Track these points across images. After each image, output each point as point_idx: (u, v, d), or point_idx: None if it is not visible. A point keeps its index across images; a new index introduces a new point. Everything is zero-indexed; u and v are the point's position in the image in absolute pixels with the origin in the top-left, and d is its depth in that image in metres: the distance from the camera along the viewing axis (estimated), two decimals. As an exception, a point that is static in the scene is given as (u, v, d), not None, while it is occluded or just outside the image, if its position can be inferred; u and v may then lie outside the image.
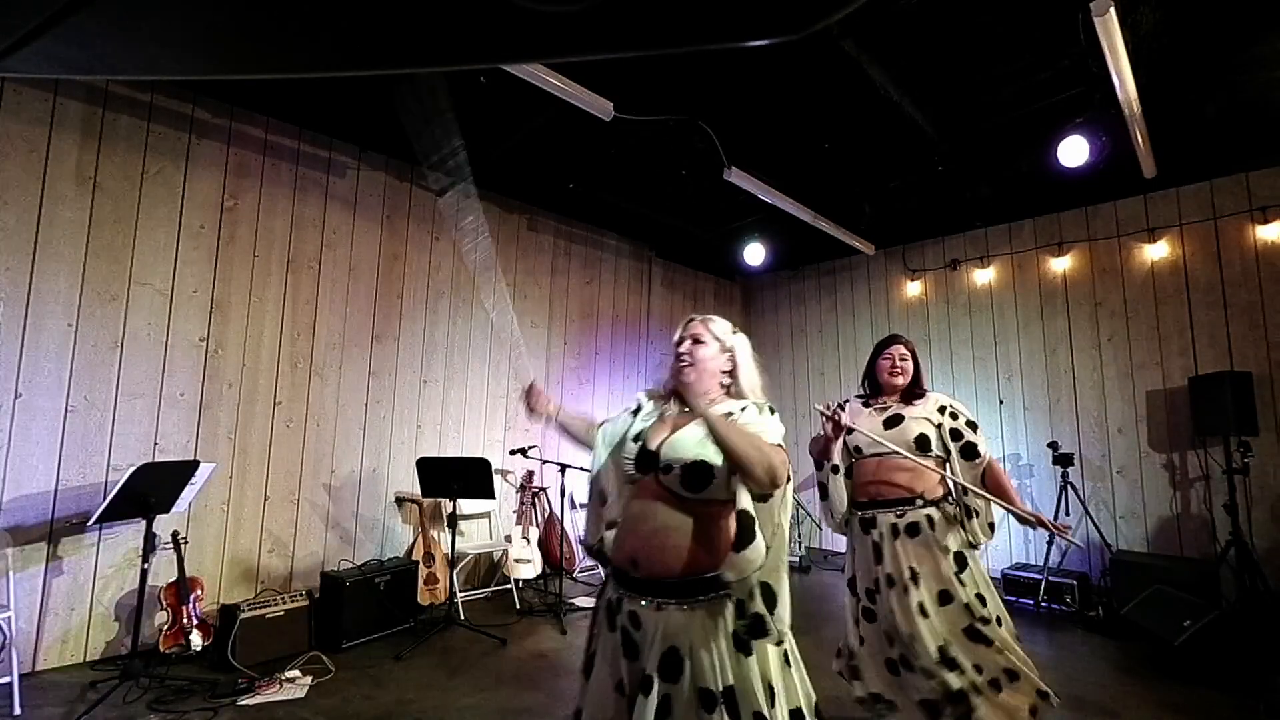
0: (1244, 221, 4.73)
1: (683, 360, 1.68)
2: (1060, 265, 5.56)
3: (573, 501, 5.56)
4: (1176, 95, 3.78)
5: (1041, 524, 2.37)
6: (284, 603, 3.62)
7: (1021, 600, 4.79)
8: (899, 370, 2.61)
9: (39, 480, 3.28)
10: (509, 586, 4.74)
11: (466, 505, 4.80)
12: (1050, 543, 4.93)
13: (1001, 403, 5.79)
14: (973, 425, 2.53)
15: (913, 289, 6.43)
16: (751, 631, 1.49)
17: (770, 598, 1.50)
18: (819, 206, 5.25)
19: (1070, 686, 3.34)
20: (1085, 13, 2.80)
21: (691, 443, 1.55)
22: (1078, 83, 3.58)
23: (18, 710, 2.80)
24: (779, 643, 1.52)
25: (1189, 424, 4.75)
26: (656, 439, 1.62)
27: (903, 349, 2.64)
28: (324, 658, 3.46)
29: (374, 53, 0.47)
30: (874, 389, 2.70)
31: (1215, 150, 4.50)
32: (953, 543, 2.42)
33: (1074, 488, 4.96)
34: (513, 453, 5.23)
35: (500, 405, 5.36)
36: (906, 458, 2.43)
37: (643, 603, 1.53)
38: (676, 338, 1.74)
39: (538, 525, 5.19)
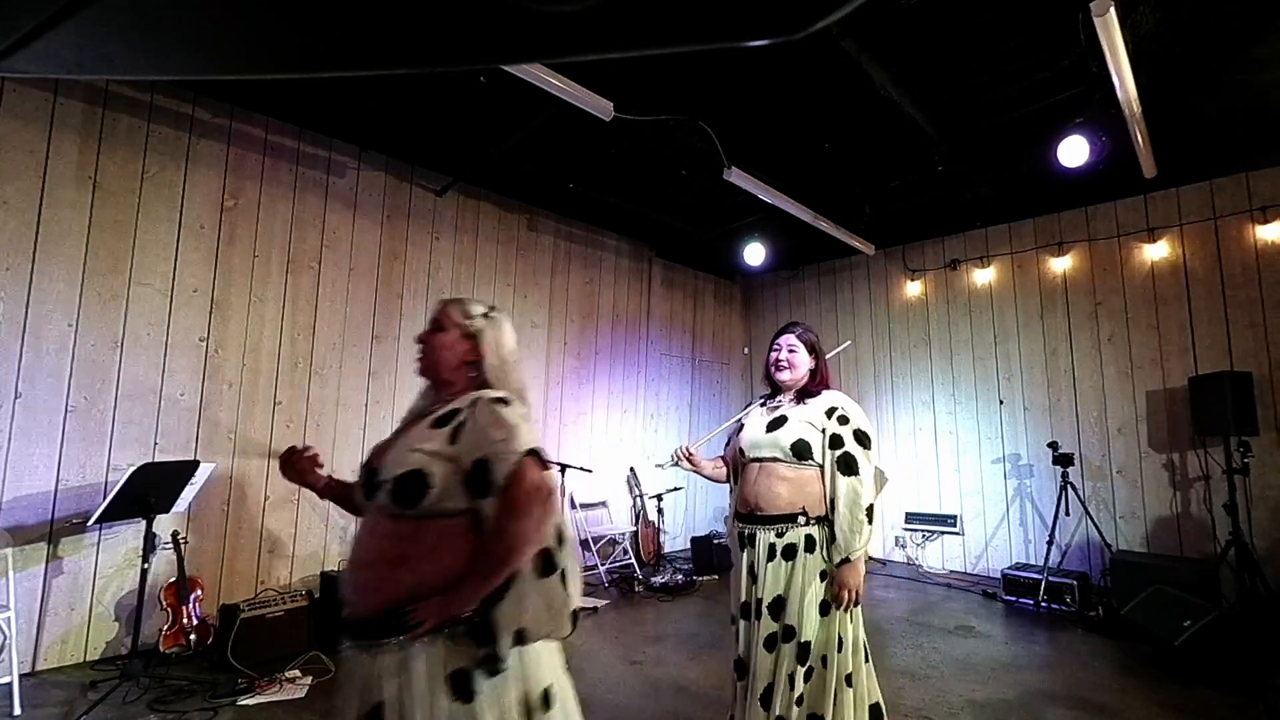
0: (1244, 221, 4.73)
1: (418, 351, 1.42)
2: (1060, 265, 5.56)
3: (572, 501, 5.56)
4: (1176, 95, 3.78)
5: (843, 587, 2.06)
6: (284, 603, 3.61)
7: (1021, 600, 4.79)
8: (783, 364, 2.26)
9: (39, 480, 3.28)
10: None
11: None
12: (1050, 543, 4.93)
13: (1001, 403, 5.79)
14: (862, 436, 2.14)
15: (913, 289, 6.43)
16: (485, 665, 1.19)
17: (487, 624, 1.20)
18: (819, 206, 5.24)
19: (1070, 686, 3.35)
20: (1085, 13, 2.80)
21: (406, 449, 1.26)
22: (1078, 83, 3.58)
23: (18, 710, 2.80)
24: (494, 673, 1.19)
25: (1189, 424, 4.75)
26: (380, 456, 1.33)
27: (792, 339, 2.28)
28: (324, 658, 3.45)
29: (374, 53, 0.47)
30: (772, 386, 2.34)
31: (1215, 150, 4.50)
32: (826, 567, 2.11)
33: (1074, 488, 4.96)
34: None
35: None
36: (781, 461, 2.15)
37: (349, 645, 1.24)
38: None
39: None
